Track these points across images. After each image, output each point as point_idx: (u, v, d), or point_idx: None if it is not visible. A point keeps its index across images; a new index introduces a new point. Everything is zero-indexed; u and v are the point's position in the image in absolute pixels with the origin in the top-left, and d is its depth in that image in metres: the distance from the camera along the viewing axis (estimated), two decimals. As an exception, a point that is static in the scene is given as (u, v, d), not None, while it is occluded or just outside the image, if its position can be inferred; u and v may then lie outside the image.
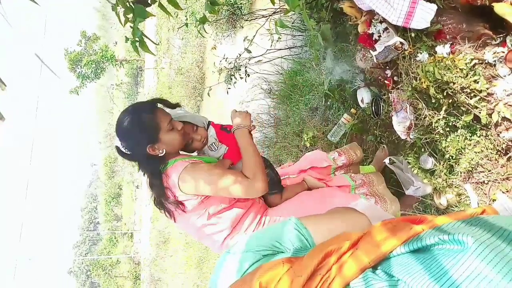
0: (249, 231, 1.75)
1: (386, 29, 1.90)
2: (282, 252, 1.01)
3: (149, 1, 2.01)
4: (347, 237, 0.95)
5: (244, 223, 1.77)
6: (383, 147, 2.60)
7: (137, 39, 1.97)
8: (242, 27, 5.08)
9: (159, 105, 1.74)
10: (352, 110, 2.82)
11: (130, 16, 1.99)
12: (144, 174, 1.77)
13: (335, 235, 0.99)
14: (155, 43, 2.24)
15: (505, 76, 1.58)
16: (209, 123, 2.03)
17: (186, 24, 3.60)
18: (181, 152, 1.84)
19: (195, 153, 2.00)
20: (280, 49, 4.14)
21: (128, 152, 1.69)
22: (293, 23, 3.95)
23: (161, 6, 2.05)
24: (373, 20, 1.99)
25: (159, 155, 1.67)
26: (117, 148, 1.71)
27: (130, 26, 1.99)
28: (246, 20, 4.61)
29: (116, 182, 25.80)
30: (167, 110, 1.80)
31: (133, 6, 1.96)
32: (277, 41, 3.81)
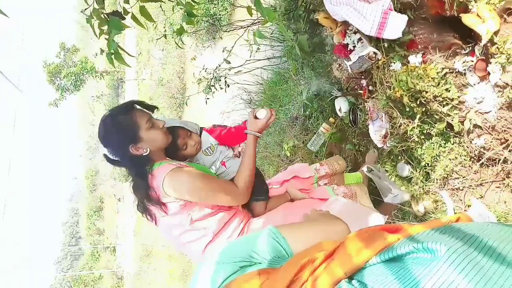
0: (231, 239, 1.74)
1: (360, 39, 1.93)
2: (260, 263, 0.99)
3: (122, 14, 2.00)
4: (321, 247, 0.94)
5: (227, 230, 1.75)
6: (374, 151, 2.61)
7: (112, 51, 1.96)
8: (222, 38, 5.10)
9: (137, 106, 1.74)
10: (331, 120, 2.84)
11: (105, 28, 1.97)
12: (130, 180, 1.76)
13: (312, 245, 0.99)
14: (131, 55, 2.22)
15: (474, 84, 1.62)
16: (201, 129, 2.05)
17: (165, 35, 3.59)
18: (168, 158, 1.83)
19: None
20: (260, 60, 4.17)
21: (115, 158, 1.69)
22: (271, 33, 3.98)
23: (134, 18, 2.04)
24: (347, 31, 2.02)
25: (144, 154, 1.66)
26: (105, 155, 1.71)
27: (105, 38, 1.97)
28: (225, 31, 4.62)
29: (98, 195, 25.36)
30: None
31: (108, 18, 1.95)
32: (256, 51, 3.83)
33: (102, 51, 2.08)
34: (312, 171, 2.25)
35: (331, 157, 2.53)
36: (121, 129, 1.63)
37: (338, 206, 1.96)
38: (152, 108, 1.80)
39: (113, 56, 1.96)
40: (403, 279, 0.77)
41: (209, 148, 1.98)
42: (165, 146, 1.76)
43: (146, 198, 1.65)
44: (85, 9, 2.08)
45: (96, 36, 2.00)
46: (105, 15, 1.97)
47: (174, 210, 1.65)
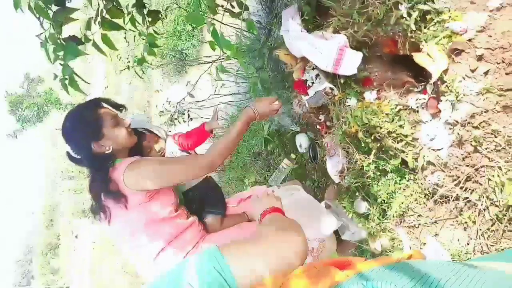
0: (184, 252, 1.64)
1: (318, 75, 1.96)
2: None
3: (82, 40, 1.96)
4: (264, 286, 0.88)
5: (180, 241, 1.65)
6: (334, 186, 2.59)
7: (66, 77, 1.89)
8: (186, 72, 5.11)
9: (103, 104, 1.70)
10: (292, 155, 2.83)
11: (61, 53, 1.92)
12: (89, 180, 1.67)
13: (259, 269, 0.90)
14: (86, 82, 2.15)
15: (427, 121, 1.65)
16: (167, 136, 2.10)
17: (128, 67, 3.55)
18: None
19: None
20: (225, 95, 4.17)
21: (77, 156, 1.63)
22: (237, 71, 4.01)
23: (95, 45, 1.99)
24: (306, 67, 2.04)
25: (106, 152, 1.60)
26: (68, 153, 1.66)
27: (60, 64, 1.91)
28: (190, 65, 4.64)
29: (55, 231, 24.15)
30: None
31: (64, 44, 1.90)
32: (221, 87, 3.84)
33: (55, 76, 2.01)
34: (269, 191, 2.23)
35: (289, 181, 2.52)
36: (84, 125, 1.60)
37: (294, 198, 1.94)
38: (119, 106, 1.76)
39: (67, 82, 1.90)
40: None
41: (172, 153, 2.01)
42: (129, 146, 1.72)
43: (105, 191, 1.56)
44: (40, 33, 2.02)
45: (50, 61, 1.94)
46: (61, 40, 1.92)
47: (133, 203, 1.57)
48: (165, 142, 2.02)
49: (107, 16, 2.04)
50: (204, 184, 1.99)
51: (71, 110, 1.69)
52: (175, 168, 1.57)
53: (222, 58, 3.80)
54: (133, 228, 1.61)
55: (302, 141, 2.64)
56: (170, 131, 3.83)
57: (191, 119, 3.80)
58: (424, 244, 1.84)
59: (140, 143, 1.86)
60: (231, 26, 3.56)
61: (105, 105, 1.70)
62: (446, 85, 1.53)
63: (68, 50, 1.87)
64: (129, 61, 3.82)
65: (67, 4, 1.89)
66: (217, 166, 1.61)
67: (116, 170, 1.57)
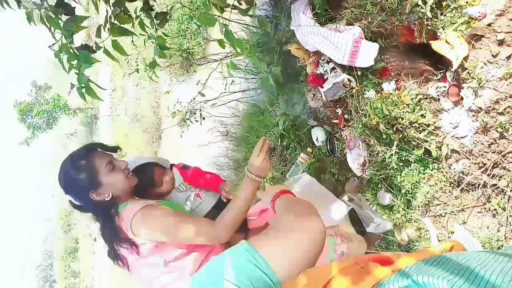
0: None
1: (333, 69, 1.93)
2: None
3: (93, 48, 1.96)
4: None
5: None
6: (355, 179, 2.56)
7: (83, 85, 1.90)
8: (195, 71, 5.10)
9: (97, 149, 1.64)
10: (309, 149, 2.81)
11: (74, 62, 1.92)
12: (99, 228, 1.64)
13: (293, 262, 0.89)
14: (102, 88, 2.16)
15: (449, 109, 1.62)
16: (171, 165, 1.99)
17: (137, 70, 3.55)
18: (136, 198, 1.73)
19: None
20: (235, 92, 4.16)
21: (80, 204, 1.59)
22: (246, 66, 3.99)
23: (106, 51, 1.99)
24: (320, 61, 2.02)
25: (106, 199, 1.56)
26: (70, 202, 1.61)
27: (75, 73, 1.91)
28: (199, 65, 4.62)
29: (73, 236, 24.47)
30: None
31: (77, 53, 1.90)
32: (231, 84, 3.82)
33: (72, 85, 2.01)
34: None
35: None
36: (79, 176, 1.53)
37: (302, 186, 1.93)
38: (113, 149, 1.70)
39: (84, 90, 1.90)
40: None
41: (181, 184, 1.91)
42: (129, 188, 1.66)
43: (116, 240, 1.54)
44: (53, 44, 2.02)
45: (66, 71, 1.94)
46: (74, 50, 1.92)
47: (146, 251, 1.54)
48: (171, 170, 1.95)
49: (115, 22, 2.04)
50: (221, 205, 1.94)
51: (64, 160, 1.62)
52: (184, 232, 1.53)
53: (231, 55, 3.78)
54: (152, 273, 1.59)
55: (318, 135, 2.61)
56: (183, 132, 3.83)
57: (204, 118, 3.79)
58: (452, 232, 1.82)
59: (152, 177, 1.81)
60: (238, 22, 3.54)
61: (99, 150, 1.64)
62: (468, 72, 1.50)
63: (82, 59, 1.87)
64: (137, 64, 3.82)
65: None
66: (226, 240, 1.58)
67: (122, 220, 1.53)
